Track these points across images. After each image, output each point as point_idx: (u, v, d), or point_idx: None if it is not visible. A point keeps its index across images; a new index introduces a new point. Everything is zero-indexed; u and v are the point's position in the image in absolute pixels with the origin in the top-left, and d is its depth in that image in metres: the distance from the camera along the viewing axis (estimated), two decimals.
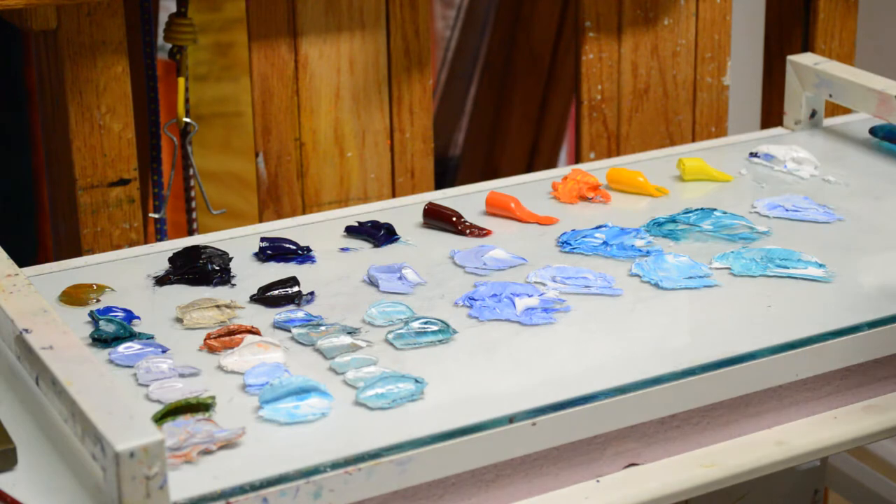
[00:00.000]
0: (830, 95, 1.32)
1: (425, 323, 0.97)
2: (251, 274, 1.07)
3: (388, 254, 1.11)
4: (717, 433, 0.93)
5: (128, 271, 1.08)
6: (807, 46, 1.61)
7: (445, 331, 0.96)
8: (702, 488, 0.91)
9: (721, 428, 0.93)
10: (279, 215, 1.43)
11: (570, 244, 1.11)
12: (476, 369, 0.93)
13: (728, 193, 1.21)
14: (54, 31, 1.29)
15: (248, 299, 1.03)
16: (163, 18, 1.41)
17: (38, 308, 0.89)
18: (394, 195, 1.49)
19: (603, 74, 1.55)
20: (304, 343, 0.96)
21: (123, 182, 1.35)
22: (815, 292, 1.02)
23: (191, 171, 1.43)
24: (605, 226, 1.13)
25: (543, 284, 1.04)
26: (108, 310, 1.00)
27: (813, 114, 1.35)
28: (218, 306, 1.00)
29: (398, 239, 1.13)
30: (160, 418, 0.85)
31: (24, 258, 1.71)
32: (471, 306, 1.01)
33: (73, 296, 1.03)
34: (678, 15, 1.55)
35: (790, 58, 1.35)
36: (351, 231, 1.14)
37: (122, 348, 0.95)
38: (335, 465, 0.81)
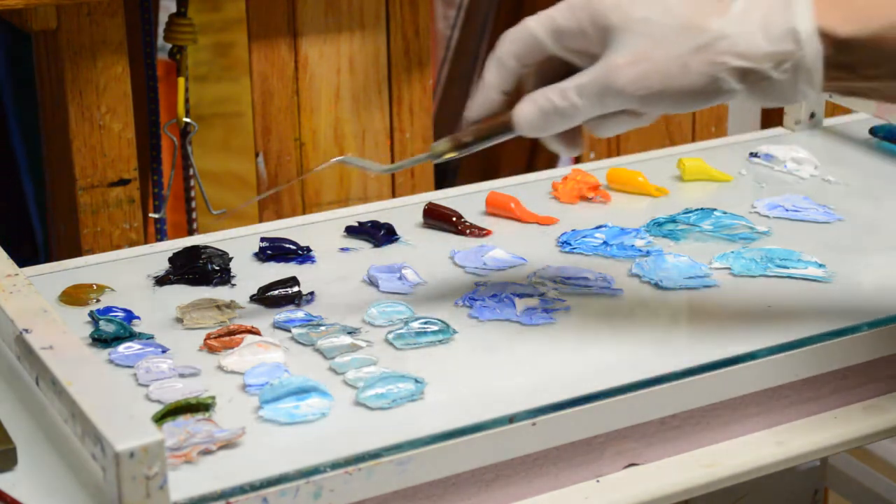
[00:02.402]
0: (830, 96, 1.32)
1: (425, 323, 0.97)
2: (251, 274, 1.07)
3: (388, 254, 1.11)
4: (717, 433, 0.93)
5: (128, 271, 1.08)
6: None
7: (445, 331, 0.96)
8: (702, 488, 0.91)
9: (721, 428, 0.93)
10: (279, 215, 1.43)
11: (570, 244, 1.11)
12: (476, 369, 0.93)
13: (728, 193, 1.21)
14: (54, 31, 1.30)
15: (248, 299, 1.03)
16: (163, 18, 1.41)
17: (38, 308, 0.89)
18: (394, 195, 1.49)
19: None
20: (304, 343, 0.96)
21: (123, 182, 1.35)
22: (815, 292, 1.02)
23: (191, 171, 1.43)
24: (605, 226, 1.13)
25: (543, 284, 1.04)
26: (108, 310, 1.00)
27: (813, 114, 1.35)
28: (218, 306, 1.00)
29: (398, 239, 1.13)
30: (160, 418, 0.85)
31: (36, 257, 1.71)
32: (471, 306, 1.01)
33: (73, 296, 1.03)
34: None
35: None
36: (351, 231, 1.14)
37: (122, 348, 0.95)
38: (335, 465, 0.81)
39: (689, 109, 0.88)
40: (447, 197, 1.21)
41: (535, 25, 0.91)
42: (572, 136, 0.93)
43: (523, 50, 0.92)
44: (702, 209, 1.15)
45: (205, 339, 0.96)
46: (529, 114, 0.90)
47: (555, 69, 0.92)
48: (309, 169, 1.45)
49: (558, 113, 0.89)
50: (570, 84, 0.89)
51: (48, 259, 1.53)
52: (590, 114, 0.89)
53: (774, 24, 0.85)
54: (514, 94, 0.93)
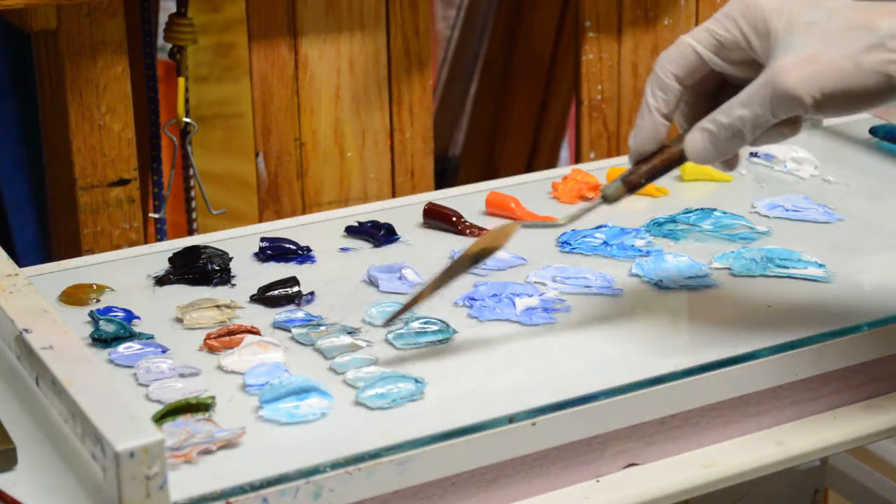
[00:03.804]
0: None
1: (425, 323, 0.97)
2: (251, 274, 1.07)
3: (388, 254, 1.11)
4: (717, 433, 0.93)
5: (128, 271, 1.08)
6: None
7: (445, 331, 0.96)
8: (702, 488, 0.91)
9: (721, 428, 0.93)
10: (279, 215, 1.43)
11: (570, 244, 1.11)
12: (476, 369, 0.93)
13: (728, 193, 1.21)
14: (54, 31, 1.30)
15: (248, 299, 1.03)
16: (163, 18, 1.42)
17: (38, 308, 0.89)
18: (394, 195, 1.49)
19: (603, 74, 1.55)
20: (304, 343, 0.96)
21: (123, 182, 1.35)
22: (815, 292, 1.02)
23: (191, 172, 1.43)
24: (605, 226, 1.13)
25: (543, 284, 1.04)
26: (108, 310, 1.00)
27: None
28: (218, 306, 1.00)
29: (398, 239, 1.13)
30: (160, 418, 0.85)
31: (37, 255, 1.71)
32: (471, 306, 1.01)
33: (73, 296, 1.03)
34: (678, 15, 1.55)
35: None
36: (351, 231, 1.14)
37: (122, 348, 0.95)
38: (335, 465, 0.81)
39: (860, 111, 0.87)
40: (447, 197, 1.21)
41: (694, 42, 0.91)
42: (731, 157, 0.93)
43: (685, 69, 0.91)
44: (702, 209, 1.15)
45: (205, 339, 0.96)
46: (700, 142, 0.90)
47: (710, 86, 0.93)
48: (309, 169, 1.45)
49: (729, 133, 0.89)
50: (734, 102, 0.88)
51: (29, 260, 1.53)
52: (758, 127, 0.88)
53: None
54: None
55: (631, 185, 0.93)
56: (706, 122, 0.90)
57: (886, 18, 0.85)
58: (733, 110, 0.88)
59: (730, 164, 0.93)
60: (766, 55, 0.88)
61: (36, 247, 1.78)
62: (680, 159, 0.92)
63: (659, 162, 0.93)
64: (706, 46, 0.90)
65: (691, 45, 0.91)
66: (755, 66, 0.89)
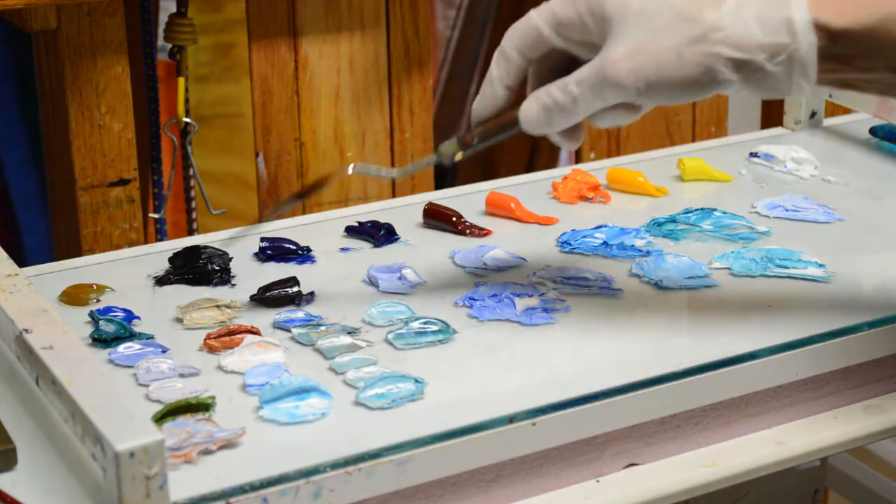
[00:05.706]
0: (830, 95, 1.32)
1: (425, 323, 0.97)
2: (251, 274, 1.07)
3: (388, 254, 1.11)
4: (717, 433, 0.93)
5: (128, 271, 1.08)
6: None
7: (445, 331, 0.96)
8: (702, 488, 0.91)
9: (721, 428, 0.93)
10: (279, 215, 1.43)
11: (570, 244, 1.11)
12: (476, 369, 0.93)
13: (728, 193, 1.21)
14: (54, 31, 1.30)
15: (248, 299, 1.03)
16: (163, 18, 1.42)
17: (38, 308, 0.89)
18: (394, 195, 1.49)
19: None
20: (304, 343, 0.96)
21: (123, 182, 1.35)
22: (815, 292, 1.02)
23: (191, 171, 1.43)
24: (605, 226, 1.13)
25: (543, 284, 1.04)
26: (108, 310, 1.00)
27: (813, 114, 1.35)
28: (218, 306, 1.00)
29: (398, 239, 1.13)
30: (160, 418, 0.85)
31: (38, 255, 1.71)
32: (471, 306, 1.01)
33: (73, 296, 1.03)
34: None
35: None
36: (351, 231, 1.14)
37: (122, 348, 0.95)
38: (335, 465, 0.81)
39: (685, 101, 0.89)
40: (447, 197, 1.21)
41: (537, 18, 0.92)
42: (573, 130, 0.94)
43: (526, 43, 0.93)
44: (702, 209, 1.15)
45: (205, 339, 0.96)
46: (533, 111, 0.92)
47: (558, 62, 0.94)
48: (309, 169, 1.45)
49: (560, 108, 0.91)
50: (570, 79, 0.90)
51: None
52: (590, 108, 0.90)
53: (770, 15, 0.85)
54: (521, 89, 0.95)
55: (465, 143, 0.96)
56: (542, 93, 0.91)
57: (713, 10, 0.86)
58: (568, 87, 0.90)
59: (571, 136, 0.95)
60: (602, 39, 0.89)
61: (45, 245, 1.78)
62: (514, 124, 0.94)
63: (493, 124, 0.95)
64: (548, 23, 0.91)
65: (535, 20, 0.92)
66: (595, 47, 0.90)
